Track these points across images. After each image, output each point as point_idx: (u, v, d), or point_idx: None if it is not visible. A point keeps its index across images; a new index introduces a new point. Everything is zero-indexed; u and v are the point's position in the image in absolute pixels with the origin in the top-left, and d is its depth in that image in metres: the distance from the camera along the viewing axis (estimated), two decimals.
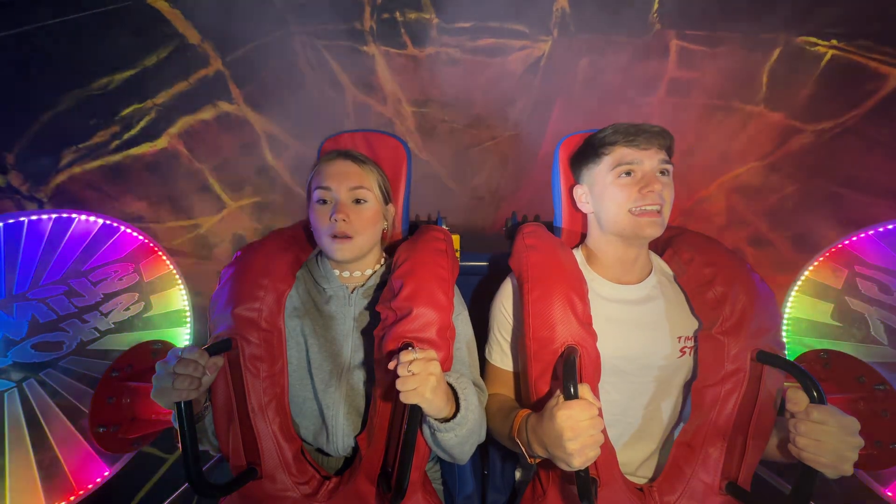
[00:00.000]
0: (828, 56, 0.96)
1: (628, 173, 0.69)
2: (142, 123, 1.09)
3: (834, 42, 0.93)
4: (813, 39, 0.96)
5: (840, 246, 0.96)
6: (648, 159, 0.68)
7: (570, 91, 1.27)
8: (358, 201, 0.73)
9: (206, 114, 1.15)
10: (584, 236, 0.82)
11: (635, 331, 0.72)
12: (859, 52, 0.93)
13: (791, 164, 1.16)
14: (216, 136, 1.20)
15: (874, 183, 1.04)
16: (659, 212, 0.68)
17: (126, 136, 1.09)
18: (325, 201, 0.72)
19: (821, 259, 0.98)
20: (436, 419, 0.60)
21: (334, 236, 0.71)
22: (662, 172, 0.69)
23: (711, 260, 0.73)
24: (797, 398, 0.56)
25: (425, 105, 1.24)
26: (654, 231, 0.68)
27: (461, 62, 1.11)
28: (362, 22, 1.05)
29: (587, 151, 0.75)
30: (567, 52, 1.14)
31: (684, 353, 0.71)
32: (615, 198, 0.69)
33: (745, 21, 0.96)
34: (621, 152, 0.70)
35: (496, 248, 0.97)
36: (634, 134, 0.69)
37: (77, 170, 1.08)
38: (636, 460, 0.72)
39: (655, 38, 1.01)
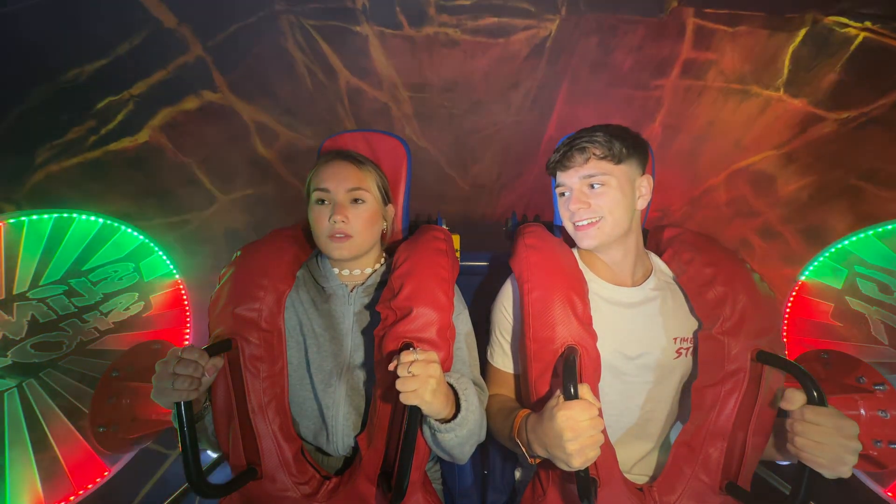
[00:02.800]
0: (859, 39, 0.92)
1: (563, 194, 0.76)
2: (119, 117, 1.06)
3: (868, 24, 0.88)
4: (844, 20, 0.91)
5: (840, 246, 0.97)
6: (569, 179, 0.74)
7: (578, 73, 1.23)
8: (356, 201, 0.75)
9: (189, 104, 1.12)
10: None
11: (632, 332, 0.74)
12: (894, 35, 0.88)
13: (809, 153, 1.14)
14: (201, 128, 1.17)
15: None
16: (593, 223, 0.73)
17: (104, 131, 1.07)
18: (323, 202, 0.74)
19: (821, 259, 0.99)
20: (436, 419, 0.62)
21: (332, 236, 0.72)
22: (592, 185, 0.72)
23: (711, 260, 0.75)
24: (792, 397, 0.58)
25: (423, 89, 1.21)
26: (588, 243, 0.74)
27: (461, 43, 1.07)
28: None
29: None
30: (575, 32, 1.10)
31: (680, 354, 0.74)
32: (561, 214, 0.77)
33: None
34: (557, 175, 0.77)
35: (496, 247, 0.98)
36: (561, 155, 0.74)
37: (54, 168, 1.06)
38: (631, 459, 0.75)
39: (671, 17, 0.97)
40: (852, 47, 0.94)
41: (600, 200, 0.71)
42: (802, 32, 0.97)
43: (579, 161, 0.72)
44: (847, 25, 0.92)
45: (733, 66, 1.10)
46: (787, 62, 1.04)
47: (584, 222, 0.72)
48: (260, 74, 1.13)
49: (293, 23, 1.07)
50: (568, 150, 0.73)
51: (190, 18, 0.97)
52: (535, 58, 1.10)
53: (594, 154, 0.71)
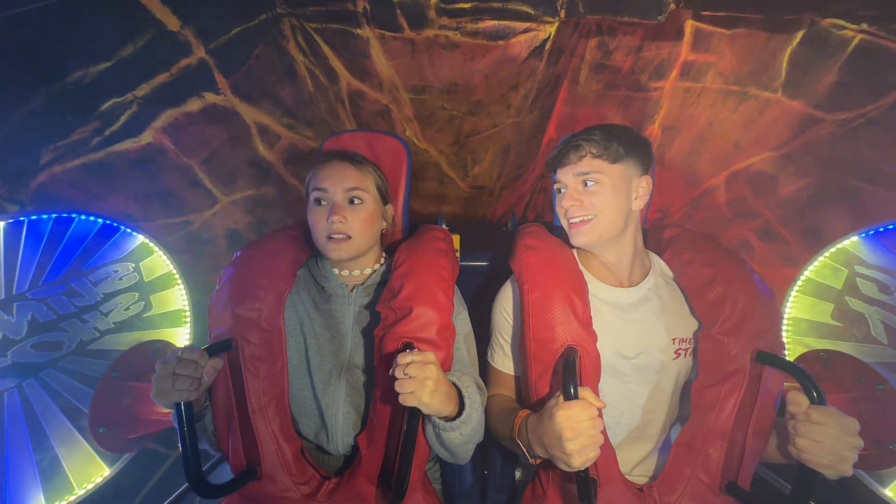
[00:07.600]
0: (856, 41, 0.93)
1: (560, 191, 0.78)
2: (123, 118, 1.07)
3: (864, 26, 0.89)
4: (841, 22, 0.92)
5: (840, 246, 0.98)
6: (565, 176, 0.76)
7: (577, 75, 1.24)
8: (353, 202, 0.75)
9: (192, 106, 1.13)
10: None
11: (631, 333, 0.75)
12: (891, 37, 0.89)
13: (808, 155, 1.14)
14: (203, 129, 1.18)
15: None
16: (586, 221, 0.74)
17: (107, 132, 1.08)
18: (321, 202, 0.75)
19: (821, 259, 1.00)
20: (440, 418, 0.63)
21: (330, 236, 0.73)
22: (585, 183, 0.74)
23: (712, 260, 0.76)
24: (798, 399, 0.58)
25: (423, 91, 1.22)
26: (580, 240, 0.75)
27: (461, 46, 1.08)
28: (355, 3, 1.02)
29: None
30: (574, 34, 1.11)
31: (679, 354, 0.74)
32: (557, 211, 0.79)
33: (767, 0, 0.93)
34: (555, 172, 0.79)
35: (496, 246, 0.99)
36: (558, 152, 0.77)
37: (58, 169, 1.08)
38: (633, 461, 0.75)
39: (670, 19, 0.98)
40: (849, 49, 0.95)
41: (594, 199, 0.72)
42: (800, 34, 0.98)
43: (574, 159, 0.74)
44: (844, 27, 0.92)
45: (732, 67, 1.11)
46: (784, 64, 1.05)
47: (577, 220, 0.74)
48: (262, 76, 1.14)
49: (295, 26, 1.08)
50: (564, 148, 0.75)
51: (193, 21, 0.98)
52: (535, 59, 1.11)
53: (590, 152, 0.73)
